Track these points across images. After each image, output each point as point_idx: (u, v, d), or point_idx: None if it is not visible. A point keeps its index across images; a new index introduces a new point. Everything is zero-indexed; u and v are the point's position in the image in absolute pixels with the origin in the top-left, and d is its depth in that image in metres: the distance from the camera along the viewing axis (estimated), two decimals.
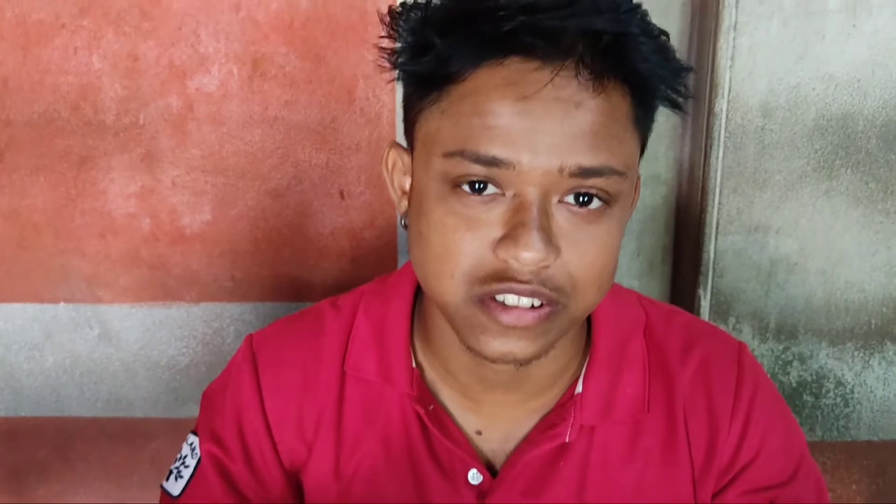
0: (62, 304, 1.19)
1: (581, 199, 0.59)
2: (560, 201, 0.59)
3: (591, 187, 0.58)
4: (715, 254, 1.14)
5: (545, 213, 0.58)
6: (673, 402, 0.74)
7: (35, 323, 1.19)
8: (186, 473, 0.76)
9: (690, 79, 0.85)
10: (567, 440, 0.72)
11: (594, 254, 0.60)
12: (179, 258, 1.17)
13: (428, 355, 0.74)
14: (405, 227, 0.68)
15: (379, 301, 0.77)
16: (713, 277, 1.15)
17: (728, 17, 1.06)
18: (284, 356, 0.77)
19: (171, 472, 0.78)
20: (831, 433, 1.22)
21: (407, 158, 0.67)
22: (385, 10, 0.64)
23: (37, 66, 1.09)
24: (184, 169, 1.14)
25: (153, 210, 1.15)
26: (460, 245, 0.59)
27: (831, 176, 1.12)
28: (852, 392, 1.20)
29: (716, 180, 1.11)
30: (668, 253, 1.25)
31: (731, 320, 1.17)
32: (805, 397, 1.20)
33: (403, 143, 0.68)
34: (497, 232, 0.58)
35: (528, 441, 0.72)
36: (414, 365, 0.74)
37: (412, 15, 0.61)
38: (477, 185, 0.58)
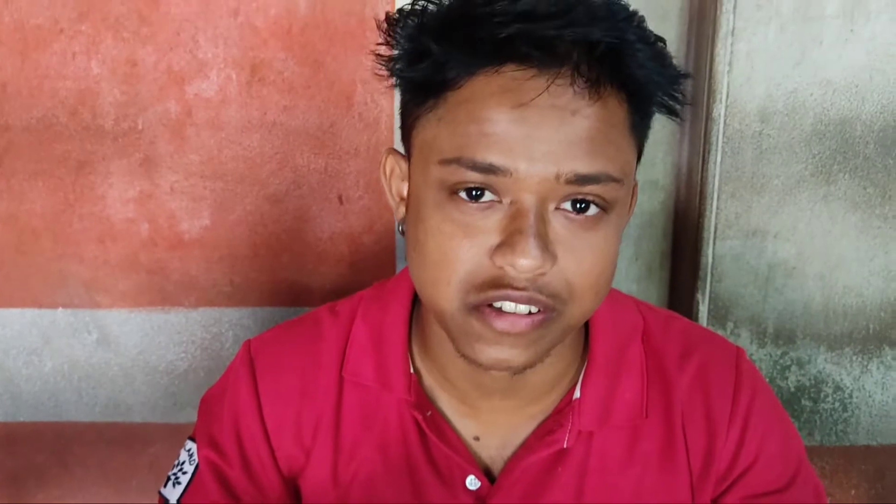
0: (60, 309, 1.19)
1: (578, 205, 0.59)
2: (557, 208, 0.59)
3: (587, 194, 0.58)
4: (713, 258, 1.14)
5: (542, 220, 0.58)
6: (671, 407, 0.74)
7: (33, 328, 1.19)
8: (184, 479, 0.76)
9: (687, 85, 0.85)
10: (565, 446, 0.71)
11: (591, 260, 0.60)
12: (178, 263, 1.17)
13: (426, 361, 0.74)
14: (403, 233, 0.67)
15: (377, 307, 0.77)
16: (711, 282, 1.15)
17: (726, 22, 1.06)
18: (282, 362, 0.76)
19: (168, 479, 0.77)
20: (830, 438, 1.22)
21: (404, 165, 0.67)
22: (382, 17, 0.64)
23: (35, 72, 1.09)
24: (182, 174, 1.14)
25: (152, 215, 1.15)
26: (457, 252, 0.59)
27: (829, 181, 1.12)
28: (851, 397, 1.20)
29: (714, 185, 1.11)
30: (667, 258, 1.25)
31: (730, 325, 1.17)
32: (803, 402, 1.20)
33: (401, 149, 0.68)
34: (494, 239, 0.58)
35: (526, 447, 0.72)
36: (412, 371, 0.74)
37: (409, 21, 0.61)
38: (474, 192, 0.58)
